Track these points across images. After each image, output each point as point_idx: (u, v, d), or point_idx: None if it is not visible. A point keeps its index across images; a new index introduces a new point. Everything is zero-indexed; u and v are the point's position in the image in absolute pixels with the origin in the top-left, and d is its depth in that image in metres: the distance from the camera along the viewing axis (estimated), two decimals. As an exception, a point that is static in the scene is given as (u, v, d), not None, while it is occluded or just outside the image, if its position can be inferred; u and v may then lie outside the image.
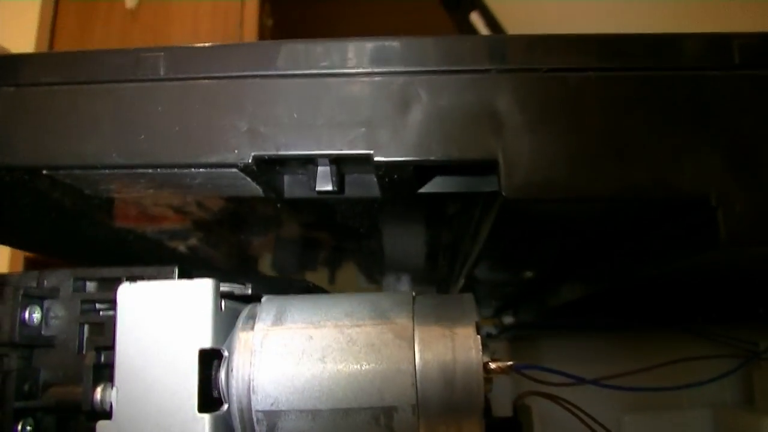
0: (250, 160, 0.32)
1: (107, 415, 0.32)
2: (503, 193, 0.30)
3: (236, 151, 0.32)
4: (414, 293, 0.35)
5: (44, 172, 0.34)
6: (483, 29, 0.80)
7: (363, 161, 0.32)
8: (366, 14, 1.56)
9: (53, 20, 1.40)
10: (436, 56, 0.32)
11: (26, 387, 0.33)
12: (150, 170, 0.33)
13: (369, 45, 0.32)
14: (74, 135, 0.33)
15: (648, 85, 0.31)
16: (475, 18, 0.80)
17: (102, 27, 1.44)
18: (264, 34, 1.43)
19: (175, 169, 0.33)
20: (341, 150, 0.31)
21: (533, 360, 0.52)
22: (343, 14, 1.66)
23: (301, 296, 0.36)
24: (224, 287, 0.35)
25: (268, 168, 0.33)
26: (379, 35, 0.32)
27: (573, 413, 0.49)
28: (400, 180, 0.33)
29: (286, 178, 0.36)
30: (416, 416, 0.31)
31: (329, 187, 0.33)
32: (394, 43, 0.32)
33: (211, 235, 0.47)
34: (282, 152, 0.32)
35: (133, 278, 0.34)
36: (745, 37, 0.30)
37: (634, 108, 0.30)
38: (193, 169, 0.33)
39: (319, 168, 0.33)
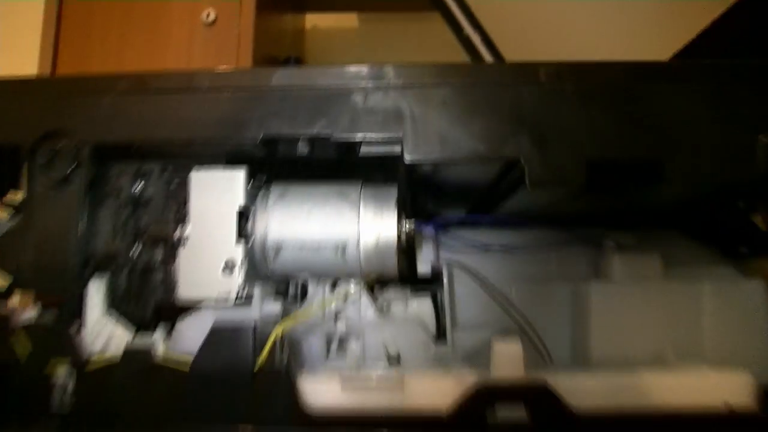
0: (259, 139, 0.56)
1: (185, 244, 0.57)
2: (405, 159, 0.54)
3: (251, 134, 0.56)
4: (362, 182, 0.59)
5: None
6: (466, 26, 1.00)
7: (326, 139, 0.56)
8: None
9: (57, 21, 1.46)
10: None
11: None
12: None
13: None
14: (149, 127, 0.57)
15: (490, 94, 0.55)
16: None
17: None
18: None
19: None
20: (312, 133, 0.56)
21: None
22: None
23: (299, 182, 0.60)
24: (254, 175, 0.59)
25: (269, 143, 0.57)
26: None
27: (475, 276, 0.74)
28: (347, 148, 0.57)
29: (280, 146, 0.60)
30: (358, 250, 0.56)
31: (305, 151, 0.57)
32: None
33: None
34: (275, 133, 0.56)
35: (200, 165, 0.58)
36: (548, 65, 0.54)
37: (481, 107, 0.54)
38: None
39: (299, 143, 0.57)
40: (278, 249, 0.57)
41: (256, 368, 0.54)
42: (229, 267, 0.56)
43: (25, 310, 0.59)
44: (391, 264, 0.58)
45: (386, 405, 0.55)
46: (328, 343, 0.69)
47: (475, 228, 0.77)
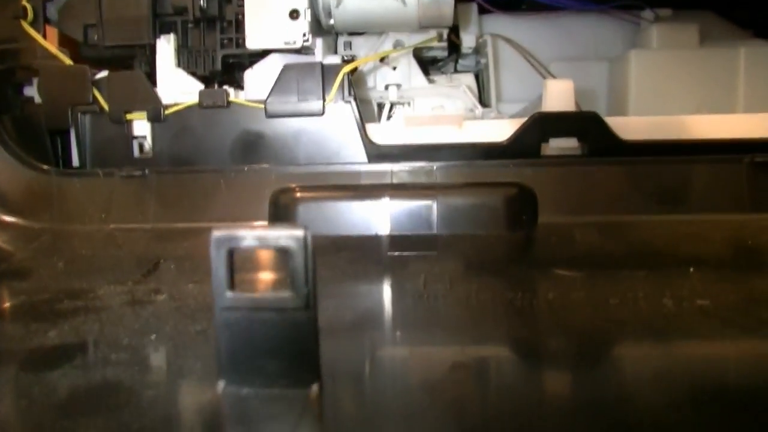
0: None
1: None
2: None
3: None
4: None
5: None
6: None
7: None
8: None
9: None
10: None
11: None
12: None
13: None
14: None
15: None
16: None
17: None
18: None
19: None
20: None
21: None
22: None
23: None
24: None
25: None
26: None
27: (518, 51, 0.77)
28: None
29: None
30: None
31: None
32: None
33: None
34: None
35: None
36: None
37: None
38: None
39: None
40: (340, -5, 0.59)
41: (327, 102, 0.57)
42: (294, 14, 0.59)
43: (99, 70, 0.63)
44: (448, 11, 0.60)
45: (445, 141, 0.59)
46: (379, 110, 0.74)
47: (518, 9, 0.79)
